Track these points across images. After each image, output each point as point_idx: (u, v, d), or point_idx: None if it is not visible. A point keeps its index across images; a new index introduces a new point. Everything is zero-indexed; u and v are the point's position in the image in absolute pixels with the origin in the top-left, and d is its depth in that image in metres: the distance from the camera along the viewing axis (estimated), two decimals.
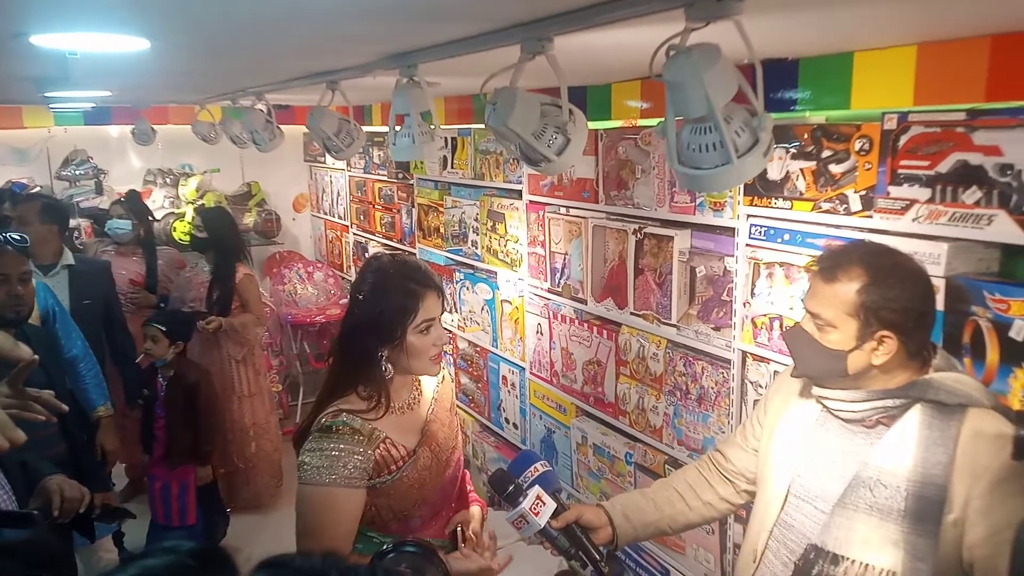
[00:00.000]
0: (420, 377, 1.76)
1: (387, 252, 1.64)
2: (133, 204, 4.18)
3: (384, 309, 1.59)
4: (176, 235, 5.10)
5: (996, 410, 1.31)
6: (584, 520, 1.60)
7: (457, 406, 2.22)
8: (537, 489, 1.57)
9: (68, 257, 3.31)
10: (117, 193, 4.97)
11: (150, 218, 4.38)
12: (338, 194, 5.51)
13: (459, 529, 1.75)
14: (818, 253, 1.78)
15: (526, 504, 1.54)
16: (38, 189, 4.98)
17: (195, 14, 1.32)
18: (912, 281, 1.34)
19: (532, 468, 1.63)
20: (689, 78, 0.96)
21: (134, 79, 2.48)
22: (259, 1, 1.19)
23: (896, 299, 1.31)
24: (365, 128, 2.94)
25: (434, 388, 1.79)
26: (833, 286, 1.34)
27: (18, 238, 2.48)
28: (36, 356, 0.64)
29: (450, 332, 3.88)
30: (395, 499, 1.61)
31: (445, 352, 1.92)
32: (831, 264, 1.37)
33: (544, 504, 1.55)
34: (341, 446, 1.54)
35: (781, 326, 2.13)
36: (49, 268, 3.23)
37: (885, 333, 1.31)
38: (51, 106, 4.32)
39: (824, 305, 1.36)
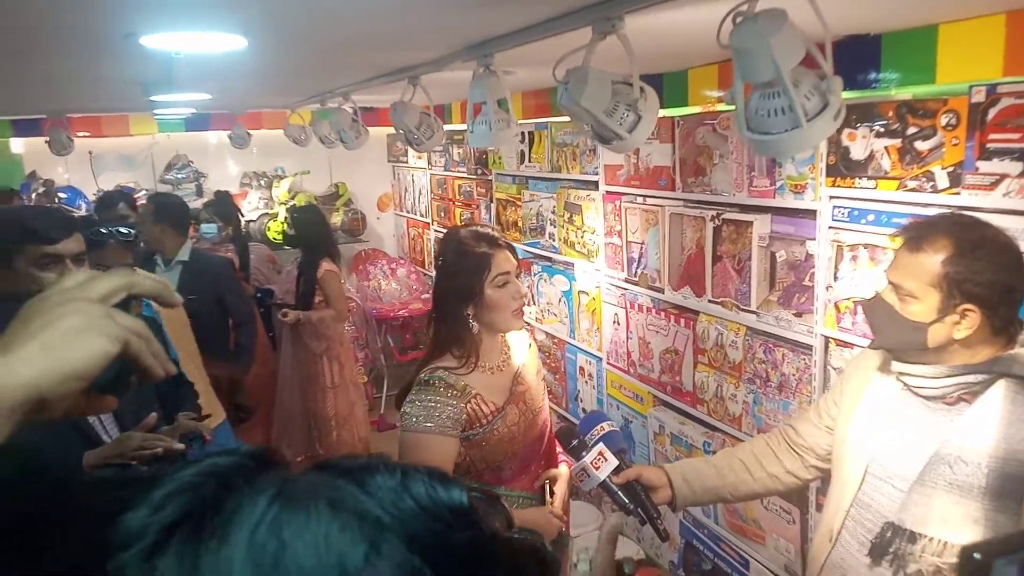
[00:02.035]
0: (509, 343, 1.93)
1: (461, 224, 1.83)
2: (219, 208, 4.45)
3: (461, 270, 1.78)
4: (270, 234, 5.37)
5: None
6: (644, 479, 1.64)
7: None
8: (600, 446, 1.64)
9: (184, 254, 3.52)
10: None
11: (240, 217, 4.63)
12: (420, 192, 5.66)
13: (547, 484, 1.89)
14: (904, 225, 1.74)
15: (588, 458, 1.62)
16: (143, 193, 5.34)
17: (286, 10, 1.42)
18: (999, 254, 1.30)
19: (599, 427, 1.69)
20: (756, 43, 0.97)
21: (231, 80, 2.65)
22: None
23: (981, 272, 1.27)
24: (445, 126, 3.04)
25: (523, 355, 1.96)
26: (917, 256, 1.32)
27: (124, 231, 2.66)
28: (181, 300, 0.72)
29: (528, 325, 3.94)
30: (487, 451, 1.77)
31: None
32: (917, 234, 1.34)
33: (606, 460, 1.62)
34: (437, 398, 1.72)
35: (861, 306, 2.08)
36: (167, 263, 3.46)
37: (969, 306, 1.28)
38: (155, 113, 4.62)
39: (907, 275, 1.33)
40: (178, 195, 4.52)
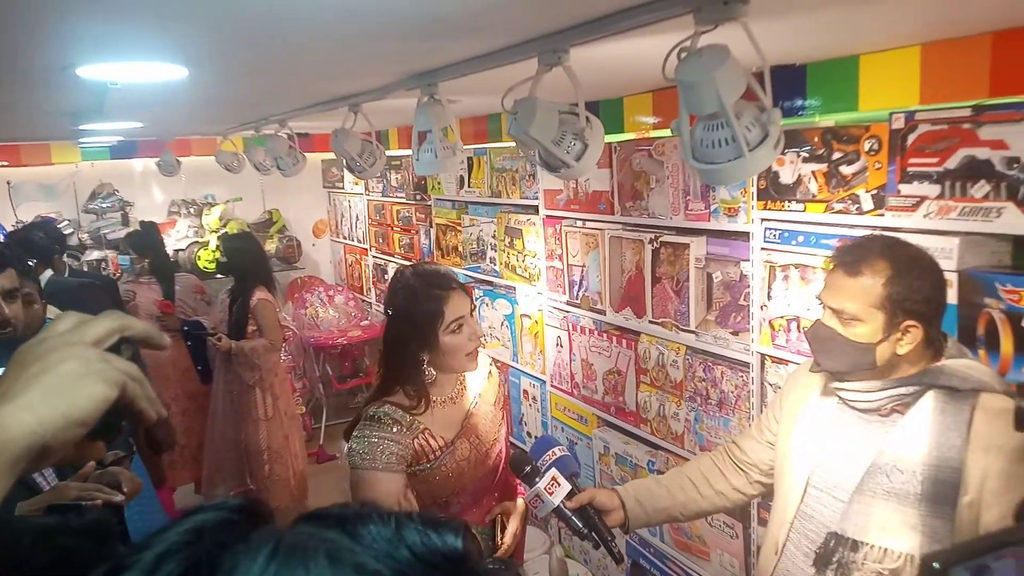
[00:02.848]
0: (465, 374, 1.88)
1: (410, 265, 1.75)
2: (135, 239, 4.32)
3: (414, 319, 1.72)
4: (200, 263, 5.22)
5: (1007, 394, 1.34)
6: (597, 502, 1.65)
7: None
8: (553, 471, 1.65)
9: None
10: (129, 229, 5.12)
11: (163, 247, 4.46)
12: (357, 218, 5.61)
13: (500, 517, 1.85)
14: (832, 250, 1.82)
15: (542, 484, 1.63)
16: (66, 223, 5.13)
17: (231, 41, 1.40)
18: (930, 271, 1.39)
19: (551, 452, 1.70)
20: (700, 77, 1.02)
21: (167, 109, 2.58)
22: (288, 24, 1.27)
23: (920, 289, 1.35)
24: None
25: (480, 383, 1.91)
26: (859, 279, 1.37)
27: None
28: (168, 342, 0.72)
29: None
30: (434, 486, 1.72)
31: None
32: (853, 259, 1.39)
33: (559, 485, 1.63)
34: (382, 434, 1.68)
35: (799, 327, 2.17)
36: None
37: (911, 323, 1.35)
38: (79, 141, 4.46)
39: (849, 299, 1.38)
40: (48, 224, 4.40)
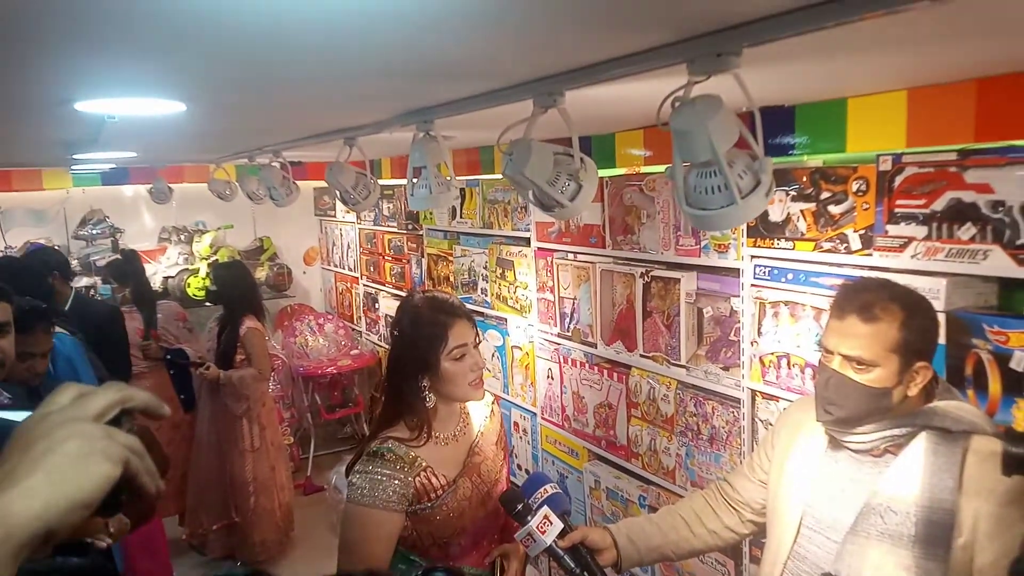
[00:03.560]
0: (468, 410, 1.88)
1: (420, 291, 1.78)
2: (114, 268, 4.31)
3: (417, 341, 1.73)
4: (190, 291, 5.20)
5: (997, 436, 1.35)
6: (589, 541, 1.64)
7: None
8: (545, 509, 1.63)
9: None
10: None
11: (143, 276, 4.45)
12: (348, 246, 5.62)
13: (499, 560, 1.82)
14: (827, 290, 1.83)
15: (534, 523, 1.61)
16: (57, 248, 5.10)
17: (229, 78, 1.42)
18: (931, 312, 1.42)
19: (542, 489, 1.69)
20: (694, 126, 1.04)
21: (163, 140, 2.60)
22: (288, 63, 1.29)
23: (928, 330, 1.38)
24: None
25: (482, 422, 1.89)
26: (875, 325, 1.36)
27: (41, 306, 2.53)
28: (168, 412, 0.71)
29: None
30: (435, 526, 1.71)
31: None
32: (864, 303, 1.38)
33: (551, 523, 1.61)
34: (384, 471, 1.66)
35: (789, 363, 2.18)
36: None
37: (922, 363, 1.37)
38: (72, 168, 4.46)
39: (865, 346, 1.37)
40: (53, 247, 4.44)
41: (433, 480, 1.71)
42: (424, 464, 1.71)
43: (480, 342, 1.81)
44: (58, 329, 2.66)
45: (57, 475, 0.55)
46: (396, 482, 1.66)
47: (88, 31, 0.99)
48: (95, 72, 1.29)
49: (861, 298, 1.40)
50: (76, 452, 0.56)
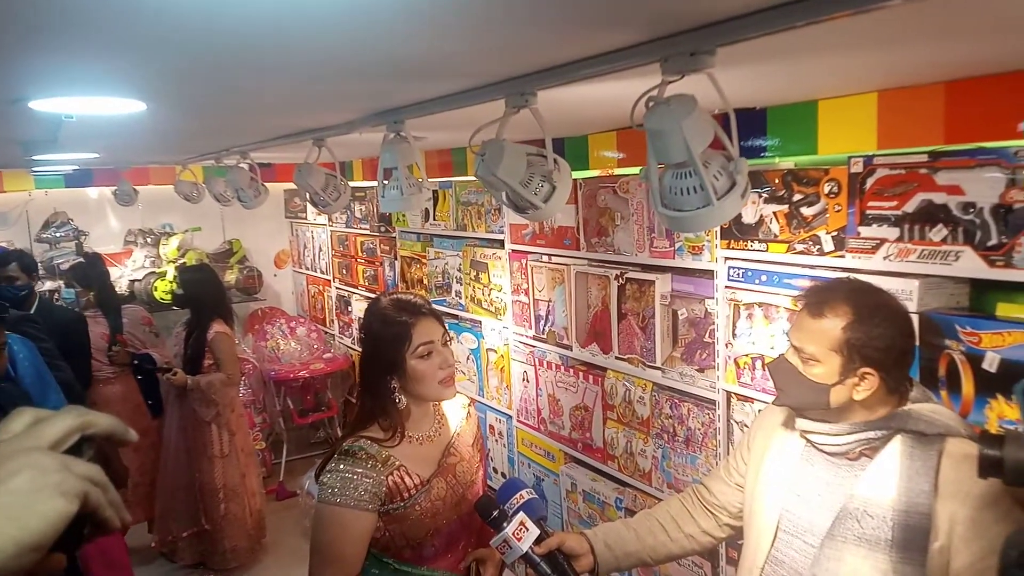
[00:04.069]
0: (445, 411, 1.87)
1: (389, 293, 1.78)
2: (78, 272, 4.22)
3: (382, 341, 1.72)
4: (157, 294, 5.10)
5: (972, 439, 1.35)
6: (566, 547, 1.62)
7: None
8: (521, 515, 1.60)
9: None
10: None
11: (107, 279, 4.35)
12: (320, 249, 5.55)
13: (474, 565, 1.80)
14: (799, 291, 1.83)
15: (509, 529, 1.58)
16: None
17: (191, 76, 1.37)
18: (894, 320, 1.39)
19: (518, 495, 1.66)
20: (668, 126, 1.02)
21: (124, 140, 2.53)
22: (252, 61, 1.24)
23: (879, 337, 1.35)
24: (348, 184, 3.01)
25: (458, 423, 1.88)
26: (819, 321, 1.38)
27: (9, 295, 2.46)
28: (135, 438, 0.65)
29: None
30: (408, 526, 1.68)
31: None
32: (818, 300, 1.41)
33: (527, 530, 1.59)
34: (356, 470, 1.65)
35: (763, 365, 2.18)
36: None
37: (867, 370, 1.36)
38: (33, 170, 4.34)
39: (809, 340, 1.40)
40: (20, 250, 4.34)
41: (407, 479, 1.69)
42: (397, 463, 1.69)
43: (449, 340, 1.80)
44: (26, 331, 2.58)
45: (7, 513, 0.49)
46: (368, 480, 1.64)
47: (41, 26, 0.94)
48: (50, 69, 1.23)
49: (818, 295, 1.42)
50: (26, 487, 0.51)
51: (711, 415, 2.38)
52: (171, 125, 2.04)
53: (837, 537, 1.38)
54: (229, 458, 3.91)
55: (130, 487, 3.91)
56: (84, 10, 0.86)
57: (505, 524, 1.61)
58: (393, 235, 4.41)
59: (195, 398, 3.80)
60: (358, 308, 5.08)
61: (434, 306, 1.83)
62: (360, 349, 1.87)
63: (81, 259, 4.42)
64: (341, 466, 1.66)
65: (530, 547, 1.59)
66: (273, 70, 1.33)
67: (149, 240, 5.48)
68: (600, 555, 1.66)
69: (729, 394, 2.32)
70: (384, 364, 1.73)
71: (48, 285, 4.94)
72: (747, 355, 2.24)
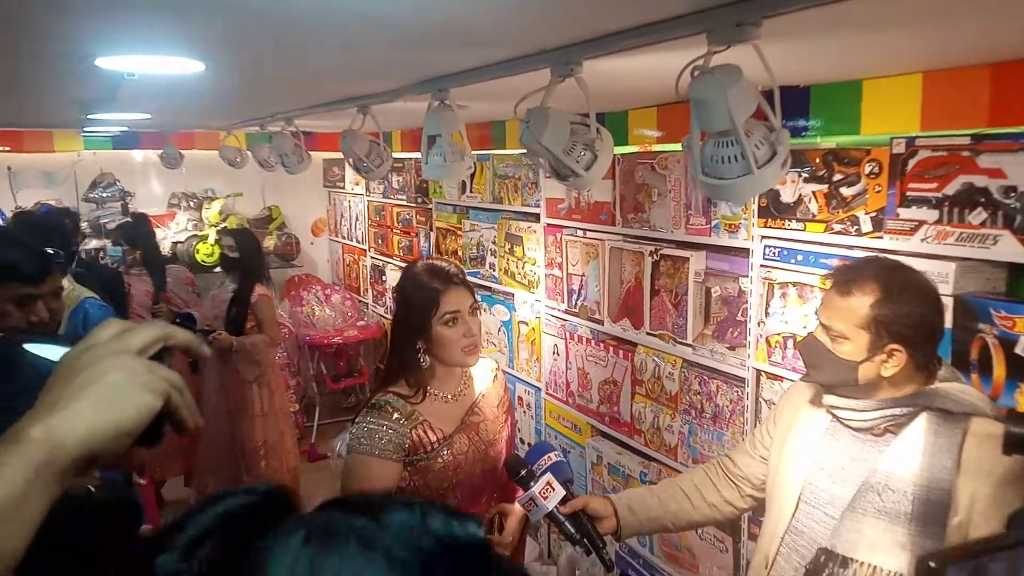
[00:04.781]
0: (470, 372, 1.95)
1: (421, 259, 1.89)
2: (126, 231, 4.35)
3: (413, 305, 1.82)
4: (199, 256, 5.23)
5: (998, 419, 1.36)
6: (591, 509, 1.68)
7: None
8: (548, 476, 1.67)
9: None
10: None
11: (152, 240, 4.49)
12: (356, 218, 5.63)
13: (497, 517, 1.89)
14: (832, 269, 1.85)
15: (536, 488, 1.65)
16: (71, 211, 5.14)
17: (248, 38, 1.43)
18: (923, 298, 1.41)
19: (546, 457, 1.73)
20: (713, 95, 1.05)
21: (178, 102, 2.60)
22: (306, 24, 1.29)
23: (907, 315, 1.37)
24: None
25: (485, 385, 1.98)
26: (847, 299, 1.40)
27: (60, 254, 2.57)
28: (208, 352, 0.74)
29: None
30: (430, 477, 1.78)
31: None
32: (846, 278, 1.43)
33: (553, 490, 1.65)
34: (381, 422, 1.75)
35: (794, 345, 2.19)
36: None
37: (895, 346, 1.38)
38: (84, 131, 4.47)
39: (837, 317, 1.42)
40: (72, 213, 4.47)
41: (429, 434, 1.79)
42: (421, 418, 1.79)
43: (478, 310, 1.88)
44: (87, 293, 2.69)
45: (102, 403, 0.57)
46: (392, 432, 1.75)
47: None
48: (119, 28, 1.30)
49: (847, 274, 1.43)
50: (120, 383, 0.58)
51: (740, 392, 2.40)
52: (225, 87, 2.11)
53: (857, 509, 1.40)
54: (269, 416, 4.04)
55: (168, 441, 4.05)
56: None
57: (532, 483, 1.67)
58: (429, 206, 4.47)
59: (239, 358, 3.92)
60: (392, 278, 5.16)
61: (467, 276, 1.90)
62: (393, 309, 1.96)
63: (128, 219, 4.56)
64: (368, 418, 1.78)
65: (555, 506, 1.66)
66: (325, 35, 1.37)
67: (192, 204, 5.61)
68: (623, 518, 1.71)
69: (759, 372, 2.34)
70: (412, 326, 1.82)
71: (94, 243, 5.10)
72: (779, 334, 2.25)
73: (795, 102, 2.16)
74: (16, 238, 1.89)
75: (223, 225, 5.35)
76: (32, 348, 0.77)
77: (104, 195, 5.28)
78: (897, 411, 1.41)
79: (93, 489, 1.41)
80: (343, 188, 5.78)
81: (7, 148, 4.78)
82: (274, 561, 0.39)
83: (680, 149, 2.57)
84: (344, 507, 0.46)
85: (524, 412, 3.67)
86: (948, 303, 1.75)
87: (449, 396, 1.88)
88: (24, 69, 1.71)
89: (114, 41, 1.40)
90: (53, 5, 1.14)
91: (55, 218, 3.71)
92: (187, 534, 0.41)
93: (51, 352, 0.73)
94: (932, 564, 0.49)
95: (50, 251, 2.45)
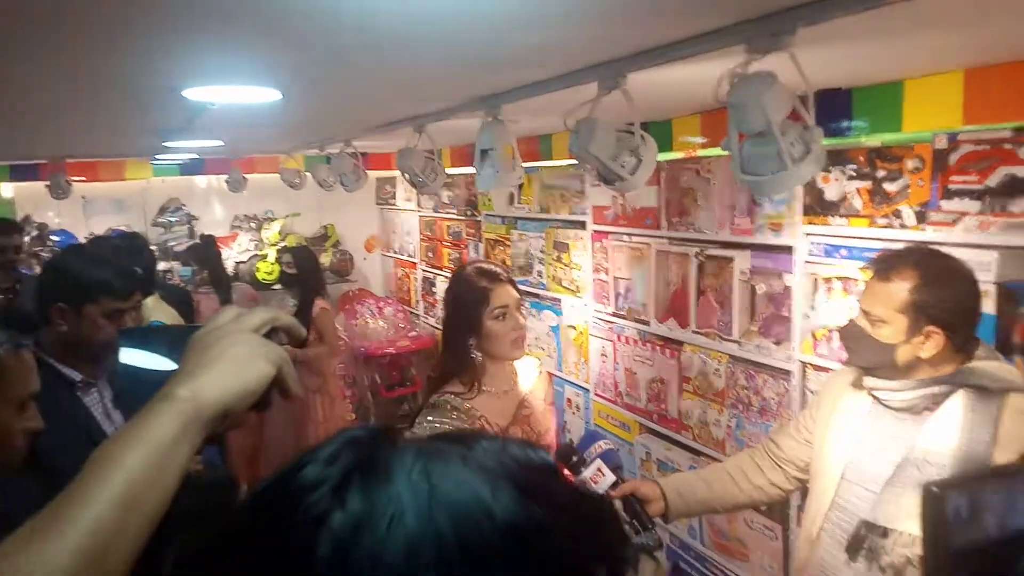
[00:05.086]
0: (516, 369, 2.05)
1: (473, 261, 2.03)
2: (195, 252, 4.59)
3: (464, 303, 1.94)
4: (259, 275, 5.47)
5: None
6: (640, 493, 1.76)
7: None
8: (599, 462, 1.76)
9: None
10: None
11: (220, 260, 4.73)
12: (408, 233, 5.81)
13: None
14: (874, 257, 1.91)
15: (587, 473, 1.74)
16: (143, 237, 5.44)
17: (323, 67, 1.57)
18: (959, 282, 1.48)
19: (596, 445, 1.81)
20: (750, 99, 1.15)
21: (252, 130, 2.79)
22: (373, 51, 1.43)
23: (944, 299, 1.44)
24: None
25: (532, 380, 2.08)
26: (887, 285, 1.48)
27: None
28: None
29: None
30: None
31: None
32: (886, 266, 1.51)
33: (604, 475, 1.74)
34: (444, 419, 1.86)
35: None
36: None
37: (933, 329, 1.45)
38: (154, 158, 4.74)
39: (877, 302, 1.50)
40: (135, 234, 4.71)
41: (487, 428, 1.90)
42: (479, 414, 1.90)
43: (521, 306, 1.99)
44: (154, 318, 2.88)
45: (233, 369, 0.70)
46: (451, 429, 1.84)
47: (199, 20, 1.14)
48: (205, 60, 1.45)
49: (886, 261, 1.50)
50: (245, 353, 0.71)
51: (786, 385, 2.46)
52: (297, 114, 2.28)
53: (897, 484, 1.47)
54: (329, 423, 4.22)
55: (235, 451, 4.26)
56: (235, 4, 1.05)
57: (584, 469, 1.76)
58: (478, 219, 4.61)
59: (302, 370, 4.10)
60: (442, 289, 5.31)
61: (510, 274, 2.02)
62: (443, 310, 2.09)
63: (197, 241, 4.81)
64: (429, 417, 1.88)
65: (606, 491, 1.74)
66: (393, 62, 1.51)
67: (253, 225, 5.87)
68: (671, 501, 1.79)
69: (804, 364, 2.40)
70: (464, 324, 1.94)
71: (162, 265, 5.38)
72: (824, 327, 2.31)
73: (837, 104, 2.22)
74: (106, 258, 2.07)
75: (282, 244, 5.58)
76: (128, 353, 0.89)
77: (171, 219, 5.57)
78: (935, 389, 1.47)
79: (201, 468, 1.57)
80: (395, 205, 5.98)
81: (83, 178, 5.09)
82: (395, 465, 0.51)
83: (724, 153, 2.65)
84: (439, 439, 0.58)
85: (573, 413, 3.76)
86: (991, 290, 1.80)
87: (501, 391, 1.99)
88: (114, 101, 1.89)
89: (200, 72, 1.56)
90: (146, 37, 1.29)
91: (132, 241, 3.96)
92: (325, 451, 0.53)
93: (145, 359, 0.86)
94: (935, 489, 0.58)
95: (136, 269, 2.66)
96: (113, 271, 1.96)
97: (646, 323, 3.11)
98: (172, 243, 5.46)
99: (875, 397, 1.57)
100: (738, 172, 1.24)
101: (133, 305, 1.97)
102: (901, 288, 1.46)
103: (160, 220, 5.55)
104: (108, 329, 1.88)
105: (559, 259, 3.73)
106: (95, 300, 1.86)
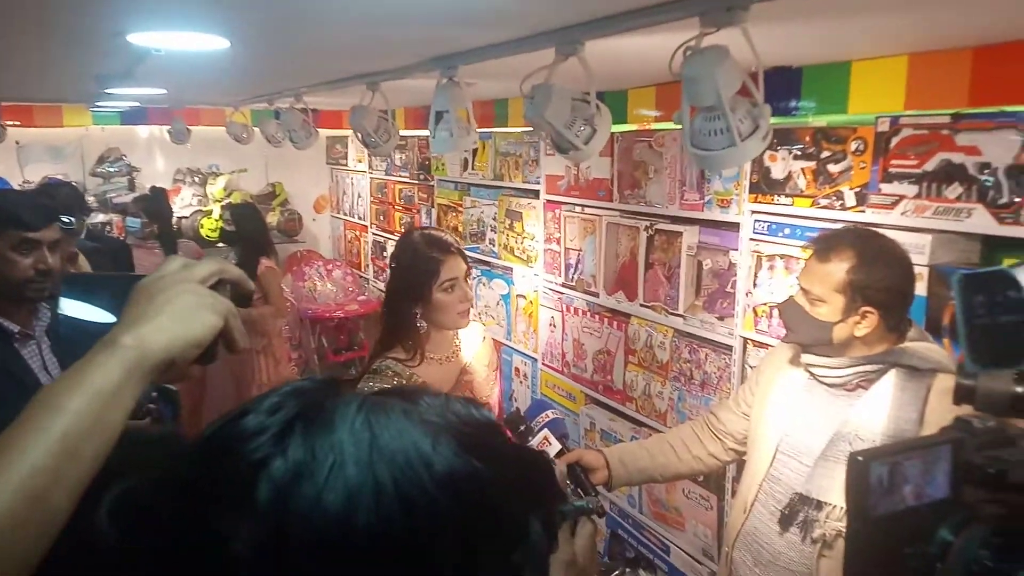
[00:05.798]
0: (460, 336, 2.06)
1: (417, 228, 2.02)
2: (149, 204, 4.44)
3: (412, 273, 1.93)
4: (203, 231, 5.32)
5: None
6: (584, 461, 1.80)
7: None
8: (546, 431, 1.80)
9: None
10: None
11: (169, 216, 4.60)
12: (359, 195, 5.72)
13: None
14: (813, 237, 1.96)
15: (534, 442, 1.79)
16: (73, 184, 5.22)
17: (272, 15, 1.52)
18: (895, 264, 1.53)
19: (544, 414, 1.85)
20: (702, 73, 1.16)
21: (197, 78, 2.69)
22: (327, 4, 1.39)
23: (880, 280, 1.49)
24: None
25: (474, 347, 2.10)
26: (825, 265, 1.53)
27: (66, 221, 2.67)
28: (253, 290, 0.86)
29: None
30: None
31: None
32: (825, 246, 1.56)
33: (550, 444, 1.79)
34: (383, 385, 1.86)
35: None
36: None
37: (868, 309, 1.50)
38: (93, 105, 4.54)
39: (816, 282, 1.55)
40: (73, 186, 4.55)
41: None
42: (419, 380, 1.91)
43: (469, 276, 2.00)
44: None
45: (179, 318, 0.68)
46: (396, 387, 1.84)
47: None
48: (152, 3, 1.39)
49: (826, 241, 1.55)
50: (192, 303, 0.70)
51: (727, 360, 2.52)
52: (245, 64, 2.20)
53: (830, 458, 1.53)
54: (273, 385, 4.17)
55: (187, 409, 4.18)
56: None
57: (531, 437, 1.79)
58: (431, 183, 4.56)
59: (249, 329, 4.03)
60: None
61: (467, 251, 2.02)
62: (388, 277, 2.08)
63: (147, 192, 4.65)
64: (370, 383, 1.88)
65: (552, 459, 1.78)
66: (345, 13, 1.47)
67: (197, 179, 5.70)
68: (614, 470, 1.84)
69: (746, 340, 2.46)
70: (411, 293, 1.94)
71: (101, 217, 5.19)
72: (766, 304, 2.37)
73: (788, 82, 2.26)
74: (18, 193, 1.99)
75: (227, 201, 5.44)
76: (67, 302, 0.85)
77: (111, 170, 5.36)
78: (868, 368, 1.53)
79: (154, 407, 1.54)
80: (346, 165, 5.87)
81: (17, 123, 4.86)
82: (338, 415, 0.51)
83: (677, 127, 2.67)
84: (383, 394, 0.58)
85: (520, 382, 3.79)
86: (924, 273, 1.87)
87: (443, 358, 2.00)
88: (55, 45, 1.80)
89: (148, 17, 1.50)
90: None
91: (65, 187, 3.82)
92: (268, 401, 0.53)
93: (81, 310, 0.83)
94: (860, 458, 0.61)
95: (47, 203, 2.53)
96: (23, 200, 1.88)
97: (595, 295, 3.14)
98: (111, 194, 5.27)
99: (811, 373, 1.63)
100: (688, 145, 1.26)
101: (49, 239, 1.85)
102: (839, 268, 1.51)
103: (99, 170, 5.34)
104: (22, 264, 1.79)
105: (511, 227, 3.72)
106: (1, 232, 1.78)
